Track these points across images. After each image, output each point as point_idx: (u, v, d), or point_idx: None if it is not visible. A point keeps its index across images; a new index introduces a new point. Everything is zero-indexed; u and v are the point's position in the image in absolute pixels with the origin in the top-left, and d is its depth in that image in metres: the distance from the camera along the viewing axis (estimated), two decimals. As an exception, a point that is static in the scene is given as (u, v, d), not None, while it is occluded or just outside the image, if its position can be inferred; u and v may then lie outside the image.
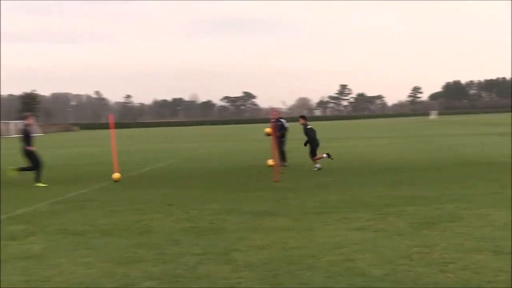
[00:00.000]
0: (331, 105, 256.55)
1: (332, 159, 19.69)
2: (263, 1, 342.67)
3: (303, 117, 20.81)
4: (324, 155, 19.70)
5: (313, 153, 19.69)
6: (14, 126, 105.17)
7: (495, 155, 23.21)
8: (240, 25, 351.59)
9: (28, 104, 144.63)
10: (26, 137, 17.41)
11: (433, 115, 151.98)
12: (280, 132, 21.07)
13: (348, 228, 9.28)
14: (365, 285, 6.20)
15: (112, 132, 19.30)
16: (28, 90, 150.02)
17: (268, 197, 13.22)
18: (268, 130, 19.88)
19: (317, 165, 19.30)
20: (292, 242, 8.36)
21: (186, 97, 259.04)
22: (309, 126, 20.01)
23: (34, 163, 17.40)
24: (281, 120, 21.64)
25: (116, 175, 17.14)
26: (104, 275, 6.88)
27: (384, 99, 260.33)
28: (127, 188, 15.75)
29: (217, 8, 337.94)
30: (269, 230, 9.31)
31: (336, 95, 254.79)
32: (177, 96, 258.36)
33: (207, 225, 9.89)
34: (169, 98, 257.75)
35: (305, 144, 20.19)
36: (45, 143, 53.36)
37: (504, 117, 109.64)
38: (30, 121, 18.34)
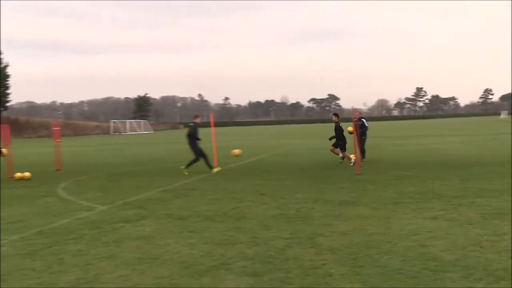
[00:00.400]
0: (408, 106, 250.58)
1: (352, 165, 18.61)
2: (345, 13, 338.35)
3: (336, 114, 20.88)
4: (352, 160, 18.78)
5: (342, 147, 19.64)
6: (129, 124, 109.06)
7: None
8: (325, 34, 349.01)
9: (142, 105, 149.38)
10: (195, 132, 18.41)
11: (504, 115, 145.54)
12: (361, 131, 20.79)
13: (422, 217, 9.06)
14: (437, 268, 6.03)
15: (212, 129, 19.61)
16: (141, 94, 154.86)
17: (350, 188, 13.07)
18: (350, 128, 19.65)
19: (351, 160, 18.79)
20: (371, 229, 8.24)
21: (277, 99, 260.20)
22: (339, 124, 20.02)
23: (198, 154, 18.32)
24: (362, 119, 21.33)
25: (237, 151, 18.53)
26: (205, 255, 7.01)
27: (456, 100, 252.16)
28: (225, 179, 15.97)
29: (303, 19, 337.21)
30: (350, 218, 9.22)
31: (412, 97, 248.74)
32: (269, 98, 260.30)
33: (295, 213, 9.89)
34: (262, 100, 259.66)
35: (330, 139, 20.39)
36: (157, 139, 54.95)
37: None
38: (198, 119, 19.10)
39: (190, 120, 19.73)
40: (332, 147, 19.91)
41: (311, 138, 47.52)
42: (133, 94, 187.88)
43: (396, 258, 6.54)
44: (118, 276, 6.18)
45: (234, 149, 22.38)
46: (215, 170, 18.02)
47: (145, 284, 5.86)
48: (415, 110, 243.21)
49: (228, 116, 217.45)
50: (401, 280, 5.71)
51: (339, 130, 19.72)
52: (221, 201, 11.57)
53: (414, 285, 5.53)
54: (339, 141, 19.59)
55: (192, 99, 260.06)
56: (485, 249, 6.80)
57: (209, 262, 6.64)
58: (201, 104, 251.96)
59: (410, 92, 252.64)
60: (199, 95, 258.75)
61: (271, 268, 6.32)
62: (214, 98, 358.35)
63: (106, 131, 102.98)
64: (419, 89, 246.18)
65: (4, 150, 18.37)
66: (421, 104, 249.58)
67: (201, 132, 19.13)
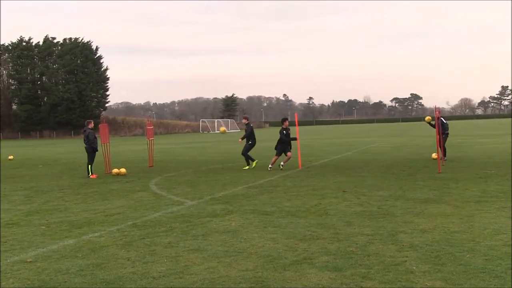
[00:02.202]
0: (492, 104, 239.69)
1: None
2: (426, 14, 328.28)
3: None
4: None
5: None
6: (217, 123, 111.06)
7: None
8: (407, 36, 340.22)
9: (229, 105, 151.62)
10: (251, 133, 19.42)
11: None
12: (443, 129, 20.09)
13: (507, 216, 8.64)
14: (521, 269, 5.72)
15: (297, 128, 19.60)
16: (229, 94, 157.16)
17: (432, 186, 12.68)
18: (428, 118, 19.12)
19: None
20: (453, 227, 7.95)
21: (360, 98, 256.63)
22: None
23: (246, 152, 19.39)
24: (441, 118, 20.58)
25: (222, 129, 19.74)
26: (288, 249, 7.00)
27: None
28: (308, 176, 15.91)
29: (385, 21, 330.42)
30: (432, 216, 8.93)
31: (497, 95, 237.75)
32: (352, 97, 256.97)
33: (376, 210, 9.70)
34: (345, 99, 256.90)
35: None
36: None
37: None
38: (245, 120, 19.93)
39: (278, 119, 20.71)
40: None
41: (393, 136, 46.52)
42: (221, 95, 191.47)
43: (479, 257, 6.26)
44: (206, 268, 6.29)
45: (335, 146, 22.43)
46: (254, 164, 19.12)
47: (231, 276, 5.92)
48: (500, 109, 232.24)
49: (312, 115, 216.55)
50: (484, 279, 5.46)
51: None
52: (303, 198, 11.53)
53: (499, 285, 5.27)
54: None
55: (278, 98, 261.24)
56: None
57: (292, 257, 6.62)
58: (286, 103, 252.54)
59: (495, 91, 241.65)
60: (284, 95, 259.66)
61: (352, 263, 6.22)
62: (299, 98, 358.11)
63: (195, 130, 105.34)
64: (504, 88, 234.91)
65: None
66: (506, 102, 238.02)
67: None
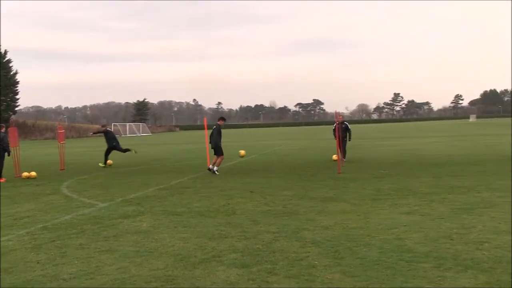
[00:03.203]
0: (386, 110, 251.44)
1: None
2: (332, 25, 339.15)
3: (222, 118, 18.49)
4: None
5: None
6: (128, 127, 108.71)
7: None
8: (310, 44, 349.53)
9: (140, 109, 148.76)
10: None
11: (472, 119, 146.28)
12: (345, 133, 20.82)
13: (398, 212, 9.08)
14: (412, 259, 6.04)
15: (206, 132, 19.55)
16: (140, 99, 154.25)
17: (332, 185, 13.09)
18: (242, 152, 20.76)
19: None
20: (351, 223, 8.25)
21: (266, 103, 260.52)
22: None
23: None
24: (345, 123, 21.31)
25: (242, 152, 18.29)
26: (198, 248, 6.98)
27: (430, 105, 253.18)
28: (217, 177, 15.92)
29: (292, 32, 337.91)
30: (332, 213, 9.22)
31: (390, 102, 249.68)
32: (259, 102, 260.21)
33: (281, 208, 9.88)
34: (252, 104, 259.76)
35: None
36: (154, 141, 54.72)
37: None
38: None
39: (188, 123, 19.89)
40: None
41: (297, 139, 47.57)
42: (133, 99, 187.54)
43: (374, 250, 6.54)
44: (117, 268, 6.14)
45: (240, 150, 22.95)
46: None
47: (142, 275, 5.82)
48: (393, 114, 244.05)
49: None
50: (378, 270, 5.71)
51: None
52: (213, 198, 11.53)
53: (391, 275, 5.53)
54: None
55: (188, 103, 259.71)
56: (454, 241, 6.83)
57: (201, 255, 6.61)
58: (196, 108, 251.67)
59: (388, 97, 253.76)
60: (194, 100, 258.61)
61: (258, 260, 6.30)
62: (208, 102, 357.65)
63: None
64: (396, 95, 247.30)
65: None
66: (398, 108, 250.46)
67: (197, 134, 19.04)
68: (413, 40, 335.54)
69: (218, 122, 17.88)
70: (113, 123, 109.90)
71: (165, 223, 8.83)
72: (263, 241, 7.22)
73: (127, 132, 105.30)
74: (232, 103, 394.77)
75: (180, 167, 20.79)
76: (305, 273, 5.70)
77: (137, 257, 6.63)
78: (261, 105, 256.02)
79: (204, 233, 7.91)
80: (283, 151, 29.94)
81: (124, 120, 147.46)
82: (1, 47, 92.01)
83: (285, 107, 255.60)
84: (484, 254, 6.17)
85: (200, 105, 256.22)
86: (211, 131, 17.77)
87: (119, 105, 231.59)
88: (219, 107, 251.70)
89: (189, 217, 9.33)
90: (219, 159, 17.22)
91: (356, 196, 11.15)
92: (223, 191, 12.62)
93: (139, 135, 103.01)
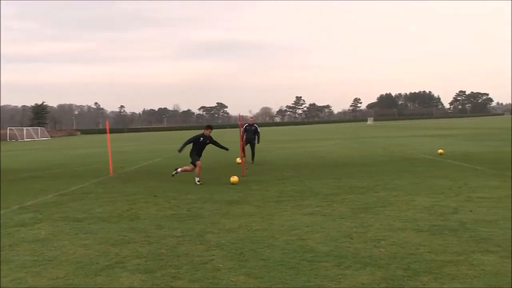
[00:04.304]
0: (288, 113, 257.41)
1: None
2: (235, 29, 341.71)
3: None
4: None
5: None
6: (26, 131, 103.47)
7: (418, 152, 23.55)
8: (214, 47, 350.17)
9: (39, 113, 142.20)
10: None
11: (370, 121, 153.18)
12: (254, 136, 21.06)
13: (301, 213, 9.30)
14: (314, 259, 6.21)
15: (108, 136, 19.03)
16: (39, 102, 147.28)
17: (236, 188, 13.17)
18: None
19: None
20: (255, 225, 8.34)
21: (170, 107, 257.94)
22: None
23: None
24: (255, 125, 21.57)
25: (234, 179, 14.41)
26: (100, 255, 6.76)
27: (331, 108, 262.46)
28: (120, 182, 15.54)
29: (192, 36, 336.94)
30: (236, 216, 9.27)
31: (292, 105, 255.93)
32: (163, 106, 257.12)
33: (186, 212, 9.80)
34: (155, 107, 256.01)
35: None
36: (53, 146, 52.43)
37: (425, 122, 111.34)
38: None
39: (89, 127, 18.99)
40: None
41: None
42: (30, 102, 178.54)
43: (278, 251, 6.65)
44: (13, 279, 5.80)
45: (146, 153, 21.96)
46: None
47: (40, 286, 5.54)
48: (295, 117, 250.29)
49: (124, 123, 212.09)
50: (281, 271, 5.81)
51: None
52: (115, 203, 11.22)
53: (294, 275, 5.65)
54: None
55: (89, 107, 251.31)
56: (354, 240, 7.10)
57: (104, 262, 6.40)
58: (98, 112, 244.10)
59: (290, 101, 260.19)
60: (96, 103, 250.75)
61: (163, 264, 6.20)
62: (110, 106, 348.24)
63: (3, 138, 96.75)
64: (298, 98, 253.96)
65: None
66: (300, 111, 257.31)
67: (99, 138, 18.44)
68: (315, 44, 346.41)
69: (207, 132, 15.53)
70: (8, 128, 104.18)
71: (65, 230, 8.46)
72: (167, 246, 7.12)
73: (24, 137, 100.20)
74: (135, 107, 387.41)
75: (81, 172, 20.04)
76: (210, 276, 5.69)
77: (35, 266, 6.30)
78: (165, 109, 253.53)
79: (106, 239, 7.67)
80: (187, 154, 29.69)
81: (21, 124, 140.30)
82: None
83: (189, 110, 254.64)
84: (381, 251, 6.47)
85: (102, 109, 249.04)
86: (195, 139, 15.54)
87: (15, 108, 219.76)
88: (122, 110, 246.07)
89: (91, 223, 9.01)
90: (197, 169, 14.94)
91: (260, 199, 11.28)
92: (126, 196, 12.32)
93: (37, 139, 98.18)
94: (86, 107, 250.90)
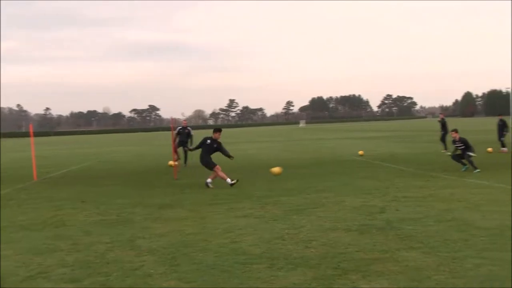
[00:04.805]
0: (222, 115, 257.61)
1: None
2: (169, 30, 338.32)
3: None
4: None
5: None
6: None
7: (348, 154, 24.16)
8: (146, 49, 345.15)
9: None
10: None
11: (302, 124, 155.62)
12: (187, 139, 20.95)
13: (234, 216, 9.32)
14: (247, 261, 6.23)
15: (32, 140, 18.32)
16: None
17: (169, 192, 13.04)
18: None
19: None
20: (188, 229, 8.28)
21: (99, 109, 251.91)
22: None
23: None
24: (188, 128, 21.45)
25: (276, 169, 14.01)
26: (21, 265, 6.46)
27: (264, 111, 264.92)
28: (46, 187, 14.99)
29: (124, 36, 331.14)
30: (169, 220, 9.18)
31: (226, 108, 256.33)
32: (92, 108, 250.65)
33: (115, 217, 9.59)
34: (84, 110, 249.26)
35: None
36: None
37: (354, 125, 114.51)
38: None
39: (9, 130, 18.19)
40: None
41: (133, 146, 46.63)
42: None
43: (211, 255, 6.63)
44: None
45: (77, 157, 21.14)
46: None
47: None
48: (228, 120, 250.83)
49: (50, 126, 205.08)
50: (214, 274, 5.79)
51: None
52: (39, 210, 10.80)
53: (226, 278, 5.65)
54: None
55: (11, 109, 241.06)
56: (286, 241, 7.19)
57: (25, 272, 6.13)
58: (20, 114, 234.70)
59: (224, 103, 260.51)
60: (18, 105, 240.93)
61: (91, 272, 6.03)
62: (34, 108, 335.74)
63: None
64: (231, 101, 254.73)
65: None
66: (233, 114, 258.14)
67: (22, 142, 17.69)
68: (249, 47, 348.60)
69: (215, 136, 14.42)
70: None
71: (-17, 240, 8.05)
72: (96, 253, 6.93)
73: None
74: (61, 109, 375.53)
75: (2, 177, 19.19)
76: (141, 283, 5.58)
77: (-51, 280, 5.96)
78: (94, 111, 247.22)
79: (28, 248, 7.36)
80: (118, 158, 29.15)
81: None
82: None
83: (119, 113, 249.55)
84: (312, 251, 6.58)
85: (26, 111, 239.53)
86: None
87: None
88: (47, 113, 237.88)
89: (12, 232, 8.63)
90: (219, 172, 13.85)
91: (193, 202, 11.22)
92: (51, 202, 11.89)
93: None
94: (7, 109, 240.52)
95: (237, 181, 13.63)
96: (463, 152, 15.72)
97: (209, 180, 13.83)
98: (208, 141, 14.33)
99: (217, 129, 14.67)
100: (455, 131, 16.24)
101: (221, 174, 13.76)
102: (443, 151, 22.99)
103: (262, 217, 9.08)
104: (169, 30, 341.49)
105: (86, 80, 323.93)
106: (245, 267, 6.01)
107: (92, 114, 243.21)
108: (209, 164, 14.11)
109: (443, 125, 24.95)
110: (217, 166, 13.96)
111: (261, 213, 9.48)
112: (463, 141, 15.84)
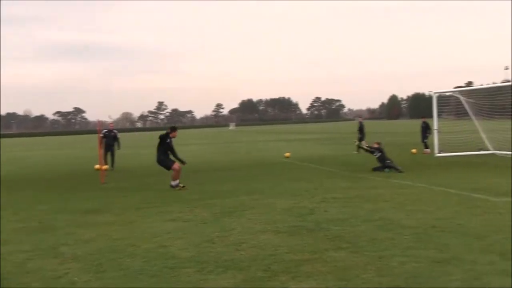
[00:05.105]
0: (150, 118, 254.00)
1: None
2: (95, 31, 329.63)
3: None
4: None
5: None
6: None
7: (278, 156, 24.41)
8: (70, 50, 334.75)
9: None
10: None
11: (232, 126, 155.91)
12: (113, 142, 20.71)
13: (163, 220, 9.20)
14: (175, 266, 6.15)
15: None
16: None
17: (95, 196, 12.71)
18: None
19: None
20: (115, 234, 8.09)
21: (20, 112, 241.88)
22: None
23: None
24: (114, 131, 21.07)
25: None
26: None
27: (193, 113, 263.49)
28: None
29: (48, 37, 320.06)
30: (95, 225, 8.93)
31: (154, 110, 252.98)
32: (11, 110, 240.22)
33: (37, 224, 9.22)
34: (3, 112, 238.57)
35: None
36: None
37: (284, 127, 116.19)
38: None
39: None
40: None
41: (58, 149, 45.12)
42: None
43: (139, 260, 6.50)
44: None
45: None
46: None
47: None
48: (157, 122, 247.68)
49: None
50: (142, 280, 5.68)
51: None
52: (-46, 218, 10.20)
53: (154, 283, 5.55)
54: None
55: None
56: (216, 244, 7.16)
57: None
58: None
59: (153, 106, 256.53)
60: None
61: (8, 284, 5.75)
62: None
63: None
64: (160, 103, 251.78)
65: None
66: (162, 116, 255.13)
67: None
68: (177, 49, 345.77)
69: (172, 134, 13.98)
70: None
71: None
72: (15, 262, 6.62)
73: None
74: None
75: None
76: (64, 291, 5.39)
77: None
78: (14, 113, 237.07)
79: None
80: (42, 162, 28.11)
81: None
82: None
83: (42, 115, 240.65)
84: (242, 254, 6.58)
85: None
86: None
87: None
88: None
89: None
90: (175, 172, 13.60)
91: (120, 206, 10.99)
92: (-33, 209, 11.27)
93: None
94: None
95: (183, 187, 13.38)
96: (380, 159, 16.32)
97: (173, 182, 13.46)
98: (168, 140, 13.78)
99: (174, 128, 14.25)
100: (378, 143, 17.19)
101: (176, 173, 13.46)
102: (355, 152, 24.16)
103: (191, 221, 9.01)
104: (93, 30, 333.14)
105: (5, 81, 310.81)
106: (174, 272, 5.93)
107: (11, 116, 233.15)
108: (168, 164, 13.69)
109: (361, 129, 25.75)
110: (176, 163, 13.57)
111: (191, 217, 9.40)
112: (380, 149, 16.64)
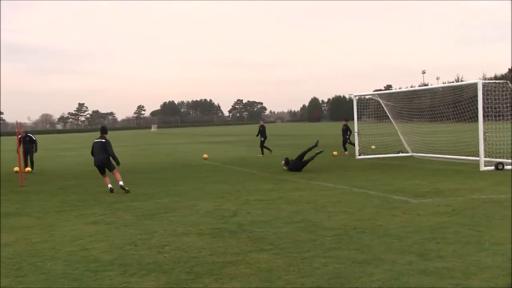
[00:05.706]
0: (71, 120, 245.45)
1: None
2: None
3: None
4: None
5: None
6: None
7: (200, 158, 24.35)
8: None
9: None
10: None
11: (154, 128, 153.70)
12: (31, 145, 20.23)
13: (84, 223, 9.01)
14: (98, 269, 6.05)
15: None
16: None
17: (14, 200, 12.23)
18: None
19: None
20: (35, 238, 7.84)
21: None
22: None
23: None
24: (29, 135, 20.48)
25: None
26: None
27: (115, 115, 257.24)
28: None
29: None
30: (14, 229, 8.61)
31: (75, 112, 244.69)
32: None
33: (-49, 229, 8.73)
34: None
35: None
36: None
37: (206, 129, 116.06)
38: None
39: None
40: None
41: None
42: None
43: (60, 264, 6.33)
44: None
45: None
46: None
47: None
48: (78, 124, 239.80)
49: None
50: (64, 284, 5.55)
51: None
52: None
53: (76, 286, 5.44)
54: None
55: None
56: (138, 247, 7.09)
57: None
58: None
59: (73, 108, 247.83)
60: None
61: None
62: None
63: None
64: (81, 105, 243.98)
65: None
66: (83, 118, 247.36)
67: None
68: (97, 49, 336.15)
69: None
70: None
71: None
72: None
73: None
74: None
75: None
76: (-18, 298, 5.17)
77: None
78: None
79: None
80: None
81: None
82: None
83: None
84: (165, 256, 6.56)
85: None
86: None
87: None
88: None
89: None
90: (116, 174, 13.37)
91: (40, 209, 10.63)
92: None
93: None
94: None
95: (111, 191, 13.00)
96: (295, 167, 16.95)
97: (120, 183, 13.02)
98: (103, 140, 13.40)
99: (105, 128, 14.18)
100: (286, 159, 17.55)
101: (116, 175, 13.23)
102: (259, 155, 24.85)
103: (113, 223, 8.87)
104: (9, 29, 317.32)
105: None
106: (97, 275, 5.83)
107: None
108: (110, 166, 13.37)
109: (262, 132, 26.06)
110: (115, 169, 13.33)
111: (112, 219, 9.25)
112: (287, 162, 17.32)
